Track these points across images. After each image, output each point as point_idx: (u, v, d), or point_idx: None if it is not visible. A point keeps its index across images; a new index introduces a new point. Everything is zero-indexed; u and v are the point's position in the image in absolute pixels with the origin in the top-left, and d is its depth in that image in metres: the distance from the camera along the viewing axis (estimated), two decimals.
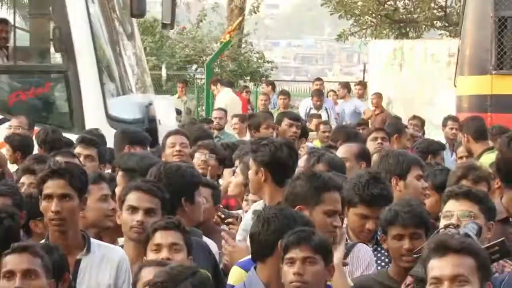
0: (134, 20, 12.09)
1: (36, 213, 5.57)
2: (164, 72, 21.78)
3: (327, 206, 4.90)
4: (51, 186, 5.00)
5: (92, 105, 10.18)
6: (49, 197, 4.94)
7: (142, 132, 9.09)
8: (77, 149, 8.01)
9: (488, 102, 12.80)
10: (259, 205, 5.90)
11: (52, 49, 10.84)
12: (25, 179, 7.07)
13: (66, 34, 10.16)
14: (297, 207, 4.90)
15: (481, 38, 13.35)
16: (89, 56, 10.23)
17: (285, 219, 4.48)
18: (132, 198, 5.25)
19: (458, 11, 19.64)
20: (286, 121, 9.77)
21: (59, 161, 6.28)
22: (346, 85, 20.64)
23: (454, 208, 4.70)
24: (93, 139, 8.16)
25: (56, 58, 10.80)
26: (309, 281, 4.21)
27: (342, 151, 7.55)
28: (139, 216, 5.14)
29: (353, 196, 5.57)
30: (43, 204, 5.03)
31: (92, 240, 5.19)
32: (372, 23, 25.26)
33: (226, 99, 17.51)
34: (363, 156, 7.65)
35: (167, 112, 11.41)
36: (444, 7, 24.94)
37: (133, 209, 5.19)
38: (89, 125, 9.65)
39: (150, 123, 10.62)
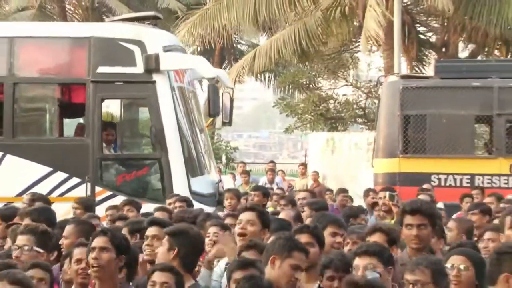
0: (202, 116, 12.26)
1: None
2: None
3: (294, 261, 4.67)
4: (96, 241, 4.87)
5: (179, 184, 10.13)
6: (93, 249, 4.78)
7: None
8: None
9: (397, 178, 12.83)
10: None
11: (149, 142, 11.17)
12: None
13: (160, 131, 10.28)
14: (272, 256, 4.68)
15: (391, 131, 13.39)
16: (177, 147, 10.28)
17: None
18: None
19: (374, 111, 19.81)
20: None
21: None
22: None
23: (359, 263, 4.57)
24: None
25: (152, 149, 10.92)
26: None
27: (285, 215, 7.27)
28: None
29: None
30: (89, 256, 4.87)
31: None
32: (310, 120, 25.40)
33: None
34: (300, 219, 7.43)
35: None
36: (364, 108, 25.20)
37: None
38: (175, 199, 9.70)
39: (219, 196, 10.56)
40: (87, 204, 8.59)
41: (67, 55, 11.03)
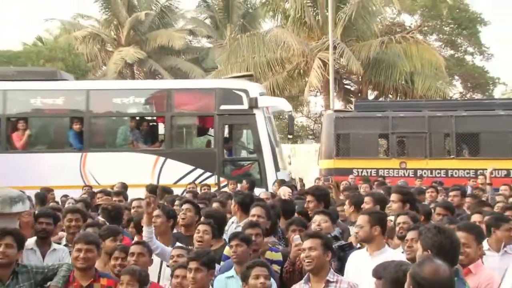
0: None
1: None
2: None
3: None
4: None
5: (270, 175, 9.76)
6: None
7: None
8: None
9: (333, 171, 12.48)
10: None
11: (251, 150, 10.71)
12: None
13: (258, 144, 10.09)
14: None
15: (329, 143, 13.02)
16: (268, 153, 9.97)
17: None
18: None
19: (319, 131, 19.84)
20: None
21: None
22: None
23: (317, 218, 4.30)
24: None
25: (254, 153, 10.40)
26: (240, 254, 3.73)
27: (263, 195, 6.55)
28: None
29: None
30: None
31: None
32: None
33: None
34: (274, 196, 6.82)
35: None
36: (313, 129, 25.36)
37: None
38: (269, 185, 9.21)
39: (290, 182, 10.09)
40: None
41: (202, 99, 10.77)
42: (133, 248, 3.83)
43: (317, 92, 22.29)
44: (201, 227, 4.30)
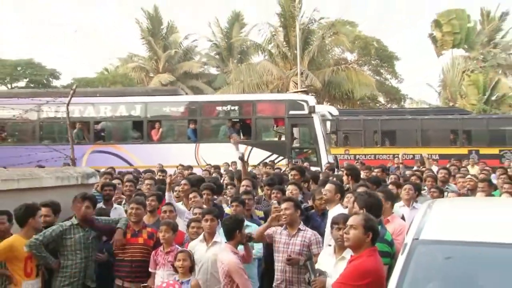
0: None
1: None
2: None
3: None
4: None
5: (323, 159, 9.11)
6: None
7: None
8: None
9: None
10: None
11: (310, 141, 9.96)
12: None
13: (315, 137, 9.43)
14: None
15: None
16: (322, 143, 9.30)
17: None
18: None
19: None
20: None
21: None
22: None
23: (290, 188, 4.03)
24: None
25: (312, 144, 9.63)
26: (238, 213, 3.57)
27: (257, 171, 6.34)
28: None
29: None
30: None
31: None
32: None
33: None
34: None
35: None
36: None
37: None
38: (323, 166, 8.32)
39: (337, 164, 9.18)
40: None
41: (276, 107, 9.93)
42: (165, 207, 3.84)
43: None
44: (191, 195, 4.08)
